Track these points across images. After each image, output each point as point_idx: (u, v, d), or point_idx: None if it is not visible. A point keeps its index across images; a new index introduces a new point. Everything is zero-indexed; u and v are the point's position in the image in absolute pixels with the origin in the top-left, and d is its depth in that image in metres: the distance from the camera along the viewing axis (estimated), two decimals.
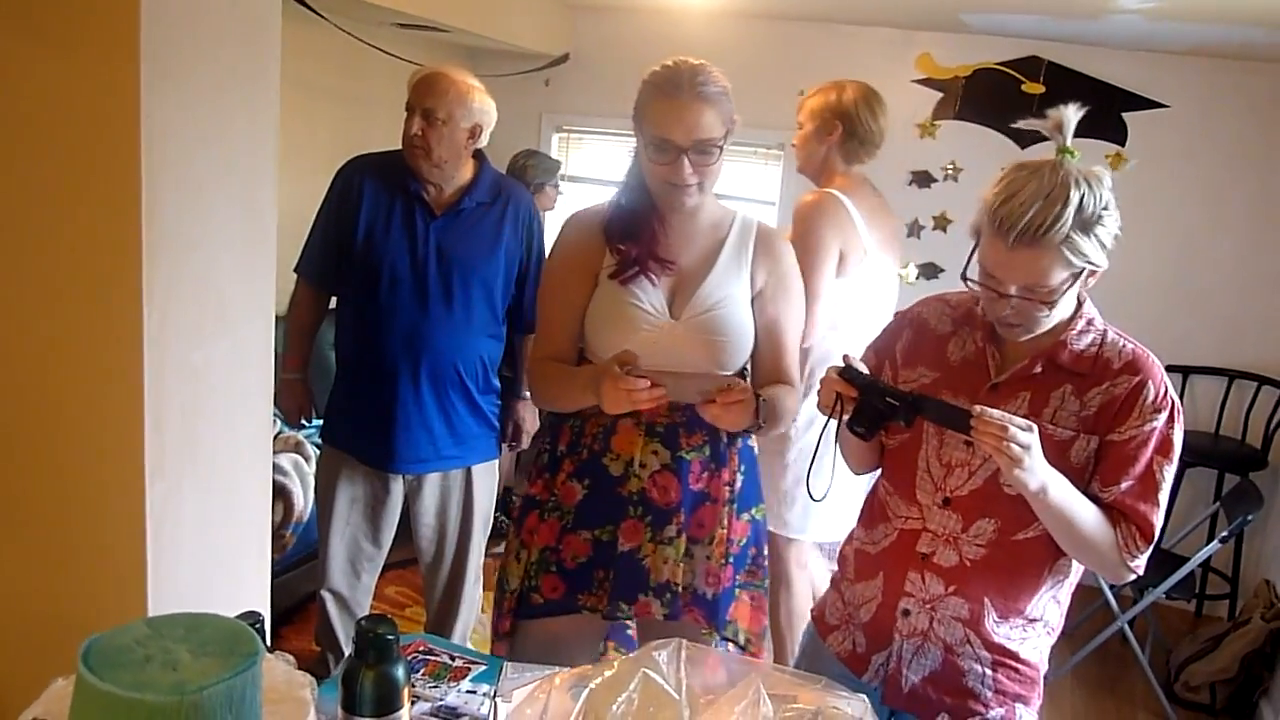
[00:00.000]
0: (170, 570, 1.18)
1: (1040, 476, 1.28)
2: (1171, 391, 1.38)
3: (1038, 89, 3.99)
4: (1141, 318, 3.96)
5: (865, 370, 1.43)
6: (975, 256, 1.37)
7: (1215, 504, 3.67)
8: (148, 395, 1.10)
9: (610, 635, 1.93)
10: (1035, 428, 1.26)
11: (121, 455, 1.12)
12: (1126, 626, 3.20)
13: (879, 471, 1.61)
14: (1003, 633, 1.45)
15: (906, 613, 1.48)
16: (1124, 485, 1.35)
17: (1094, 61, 3.93)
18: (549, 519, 1.76)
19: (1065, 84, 3.97)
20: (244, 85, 1.20)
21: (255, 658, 0.57)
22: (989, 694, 1.46)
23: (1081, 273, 1.33)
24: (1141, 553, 1.37)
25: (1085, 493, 1.37)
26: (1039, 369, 1.39)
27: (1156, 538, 1.37)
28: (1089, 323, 1.41)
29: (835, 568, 1.68)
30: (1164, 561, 3.35)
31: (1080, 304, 1.41)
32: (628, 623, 1.85)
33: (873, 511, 1.58)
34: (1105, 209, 1.31)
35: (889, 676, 1.50)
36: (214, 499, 1.25)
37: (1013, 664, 1.46)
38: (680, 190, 1.62)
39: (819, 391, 1.46)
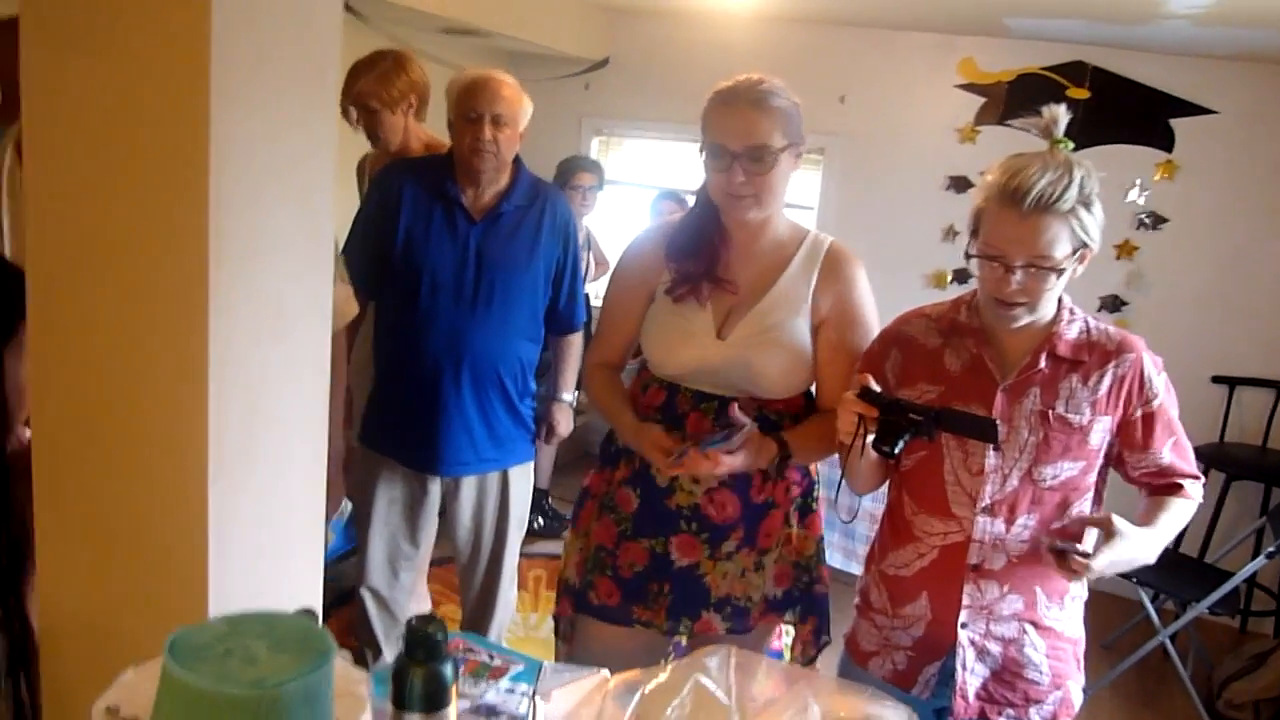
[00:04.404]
0: (228, 567, 1.21)
1: (1142, 555, 1.42)
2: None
3: (1083, 94, 3.94)
4: (1188, 328, 3.91)
5: (879, 390, 1.42)
6: (980, 239, 1.42)
7: (1261, 519, 3.60)
8: (211, 398, 1.13)
9: (674, 654, 1.91)
10: (1114, 540, 1.37)
11: (186, 456, 1.15)
12: (1168, 641, 3.15)
13: (887, 494, 1.63)
14: (1053, 615, 1.51)
15: (964, 625, 1.50)
16: (1168, 446, 1.49)
17: (1140, 66, 3.88)
18: (605, 518, 1.77)
19: (1111, 89, 3.92)
20: (304, 90, 1.22)
21: (329, 655, 0.59)
22: (1045, 680, 1.51)
23: (1079, 251, 1.39)
24: (1201, 488, 1.53)
25: (1127, 464, 1.50)
26: (1043, 364, 1.45)
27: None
28: (1071, 312, 1.49)
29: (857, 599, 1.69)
30: (1208, 576, 3.29)
31: (1059, 297, 1.49)
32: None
33: (897, 534, 1.58)
34: (1097, 194, 1.39)
35: (958, 689, 1.51)
36: (271, 498, 1.28)
37: (1063, 644, 1.53)
38: (736, 201, 1.60)
39: (838, 417, 1.45)
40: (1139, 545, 1.41)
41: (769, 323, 1.65)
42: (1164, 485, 1.51)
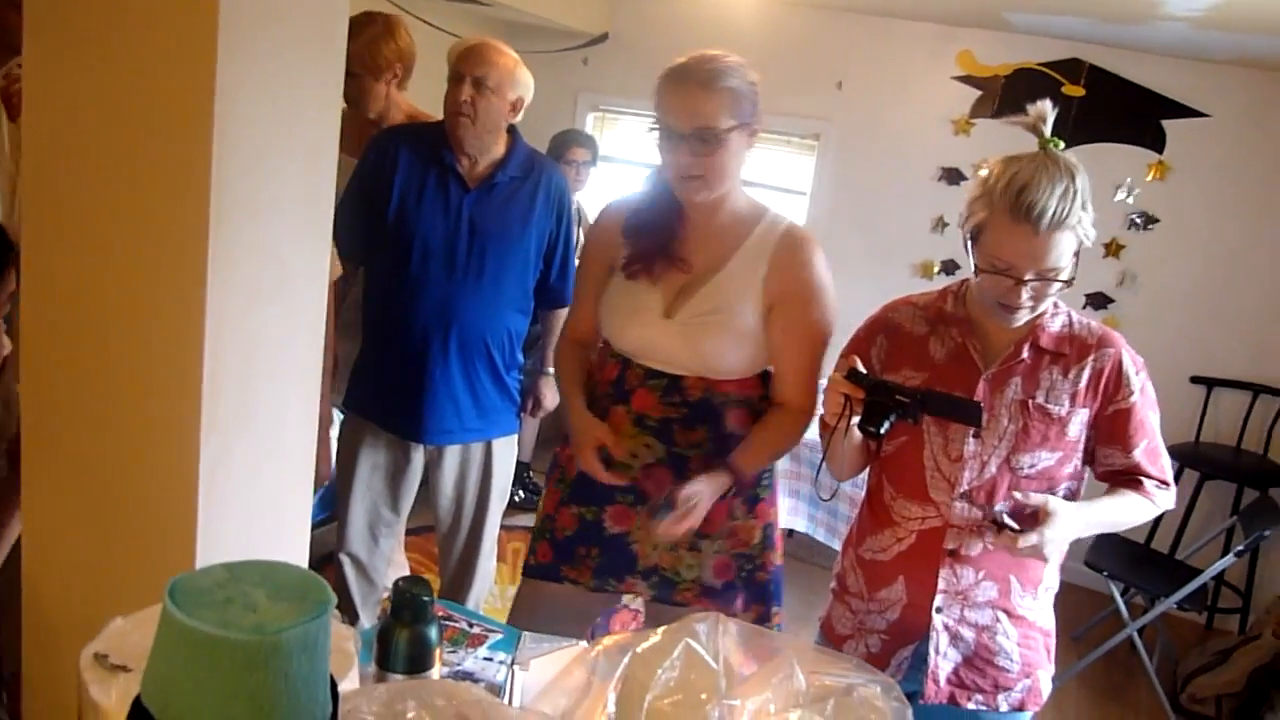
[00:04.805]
0: (217, 524, 1.21)
1: (1077, 527, 1.44)
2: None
3: (1078, 92, 3.95)
4: (1172, 328, 3.96)
5: (865, 371, 1.44)
6: (984, 251, 1.41)
7: (1232, 518, 3.66)
8: (206, 357, 1.13)
9: (603, 616, 1.98)
10: (1048, 520, 1.39)
11: (179, 413, 1.15)
12: (1135, 634, 3.21)
13: (866, 479, 1.65)
14: (1026, 604, 1.54)
15: (940, 609, 1.53)
16: (1140, 448, 1.50)
17: (1136, 67, 3.90)
18: (555, 489, 1.82)
19: (1106, 88, 3.93)
20: (312, 47, 1.21)
21: (327, 605, 0.60)
22: (1016, 668, 1.54)
23: (1078, 251, 1.41)
24: (1169, 497, 1.54)
25: (1096, 459, 1.52)
26: (1025, 355, 1.48)
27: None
28: (1056, 305, 1.51)
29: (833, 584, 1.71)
30: (1177, 572, 3.35)
31: None
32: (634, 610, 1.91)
33: (876, 518, 1.60)
34: (1088, 191, 1.41)
35: (930, 672, 1.54)
36: (262, 459, 1.28)
37: (1034, 634, 1.56)
38: (686, 182, 1.59)
39: (824, 398, 1.47)
40: (1072, 522, 1.43)
41: (715, 304, 1.64)
42: (1124, 481, 1.52)
